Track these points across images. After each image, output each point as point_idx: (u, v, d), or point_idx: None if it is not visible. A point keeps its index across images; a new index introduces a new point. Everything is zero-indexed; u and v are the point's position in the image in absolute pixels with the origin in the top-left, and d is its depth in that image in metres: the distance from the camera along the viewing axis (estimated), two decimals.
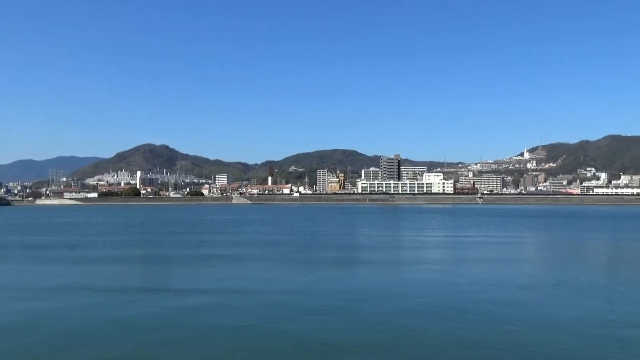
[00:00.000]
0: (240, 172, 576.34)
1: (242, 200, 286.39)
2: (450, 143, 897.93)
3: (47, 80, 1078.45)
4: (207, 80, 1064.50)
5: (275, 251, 43.63)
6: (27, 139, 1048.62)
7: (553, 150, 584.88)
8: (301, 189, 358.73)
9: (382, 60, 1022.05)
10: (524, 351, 15.33)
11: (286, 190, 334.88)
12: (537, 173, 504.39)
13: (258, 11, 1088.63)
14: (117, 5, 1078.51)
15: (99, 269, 33.65)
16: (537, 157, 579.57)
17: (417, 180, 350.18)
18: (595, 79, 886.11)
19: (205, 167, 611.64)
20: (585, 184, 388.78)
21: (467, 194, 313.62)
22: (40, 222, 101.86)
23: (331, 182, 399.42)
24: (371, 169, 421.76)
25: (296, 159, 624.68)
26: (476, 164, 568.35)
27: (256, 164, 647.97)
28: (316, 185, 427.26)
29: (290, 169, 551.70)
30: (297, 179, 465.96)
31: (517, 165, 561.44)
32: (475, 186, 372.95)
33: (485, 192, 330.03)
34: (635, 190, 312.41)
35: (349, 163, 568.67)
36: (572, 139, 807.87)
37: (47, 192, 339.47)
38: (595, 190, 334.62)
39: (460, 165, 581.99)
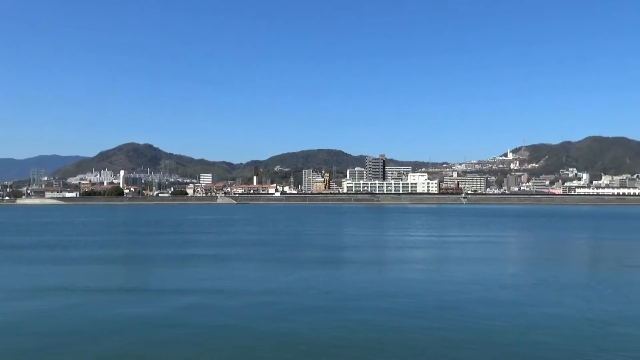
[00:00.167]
0: (225, 172, 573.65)
1: (227, 200, 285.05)
2: (434, 143, 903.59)
3: (31, 78, 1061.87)
4: (207, 80, 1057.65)
5: (259, 251, 43.52)
6: (8, 138, 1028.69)
7: (536, 151, 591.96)
8: (286, 188, 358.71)
9: (382, 60, 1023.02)
10: (504, 350, 15.50)
11: (271, 190, 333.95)
12: (520, 173, 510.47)
13: (258, 11, 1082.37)
14: (117, 6, 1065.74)
15: (79, 269, 33.25)
16: (521, 157, 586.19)
17: (402, 180, 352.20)
18: (579, 81, 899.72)
19: (189, 167, 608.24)
20: (567, 184, 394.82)
21: (452, 194, 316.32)
22: (19, 221, 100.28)
23: (316, 182, 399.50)
24: (356, 169, 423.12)
25: (281, 159, 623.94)
26: (460, 164, 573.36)
27: (241, 163, 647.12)
28: (301, 185, 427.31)
29: (275, 169, 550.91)
30: (282, 178, 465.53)
31: (500, 166, 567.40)
32: (460, 186, 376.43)
33: (469, 192, 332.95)
34: (615, 191, 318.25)
35: (335, 163, 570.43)
36: (555, 139, 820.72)
37: (28, 191, 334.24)
38: (577, 190, 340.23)
39: (444, 165, 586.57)
